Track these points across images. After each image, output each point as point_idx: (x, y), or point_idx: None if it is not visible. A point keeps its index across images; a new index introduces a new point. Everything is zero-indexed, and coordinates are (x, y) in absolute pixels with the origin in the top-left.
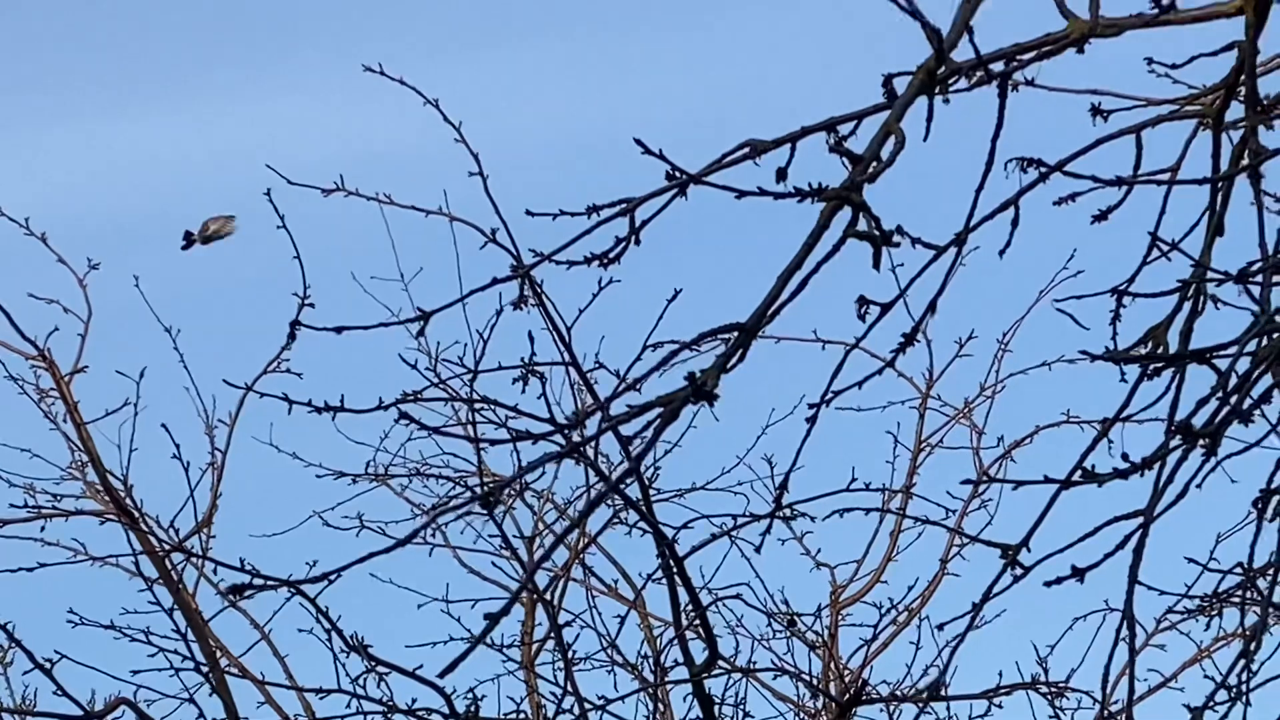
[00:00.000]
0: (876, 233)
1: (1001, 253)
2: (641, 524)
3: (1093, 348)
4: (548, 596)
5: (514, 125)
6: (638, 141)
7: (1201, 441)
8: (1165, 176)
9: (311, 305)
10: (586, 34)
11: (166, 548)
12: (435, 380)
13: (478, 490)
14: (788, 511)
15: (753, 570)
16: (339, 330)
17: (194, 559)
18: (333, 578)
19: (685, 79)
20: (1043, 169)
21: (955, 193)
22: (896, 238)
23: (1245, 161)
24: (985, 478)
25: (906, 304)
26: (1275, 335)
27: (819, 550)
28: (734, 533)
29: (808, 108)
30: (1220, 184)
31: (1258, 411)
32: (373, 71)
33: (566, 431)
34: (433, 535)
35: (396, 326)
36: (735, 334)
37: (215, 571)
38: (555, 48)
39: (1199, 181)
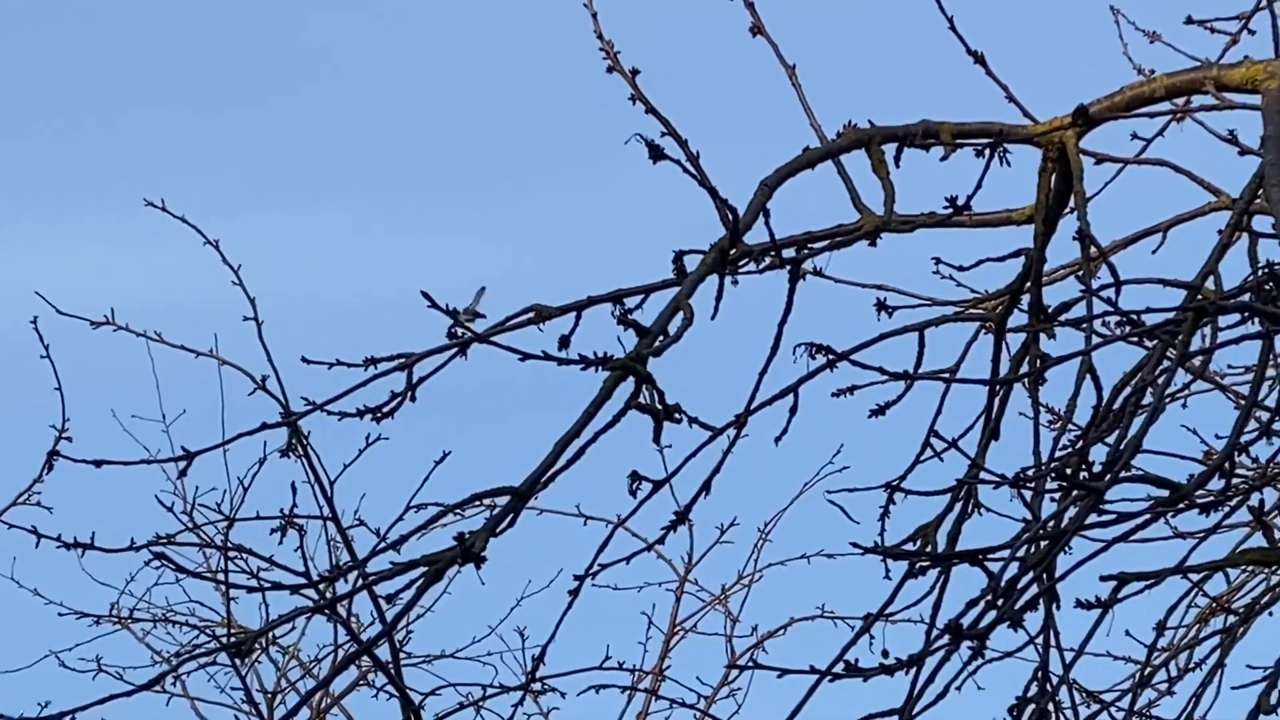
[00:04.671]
0: (659, 406)
1: (777, 440)
2: (389, 687)
3: (860, 542)
4: None
5: (297, 284)
6: (424, 294)
7: (968, 642)
8: (948, 376)
9: (69, 439)
10: (378, 197)
11: None
12: (190, 525)
13: (225, 640)
14: (539, 686)
15: None
16: (98, 464)
17: None
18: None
19: (478, 246)
20: (829, 357)
21: (738, 374)
22: (677, 415)
23: (1026, 368)
24: (751, 663)
25: (671, 487)
26: (1044, 543)
27: None
28: (482, 703)
29: (598, 279)
30: (1000, 388)
31: (1025, 617)
32: (154, 206)
33: (321, 586)
34: (173, 684)
35: (155, 467)
36: (507, 497)
37: None
38: (346, 211)
39: (982, 381)
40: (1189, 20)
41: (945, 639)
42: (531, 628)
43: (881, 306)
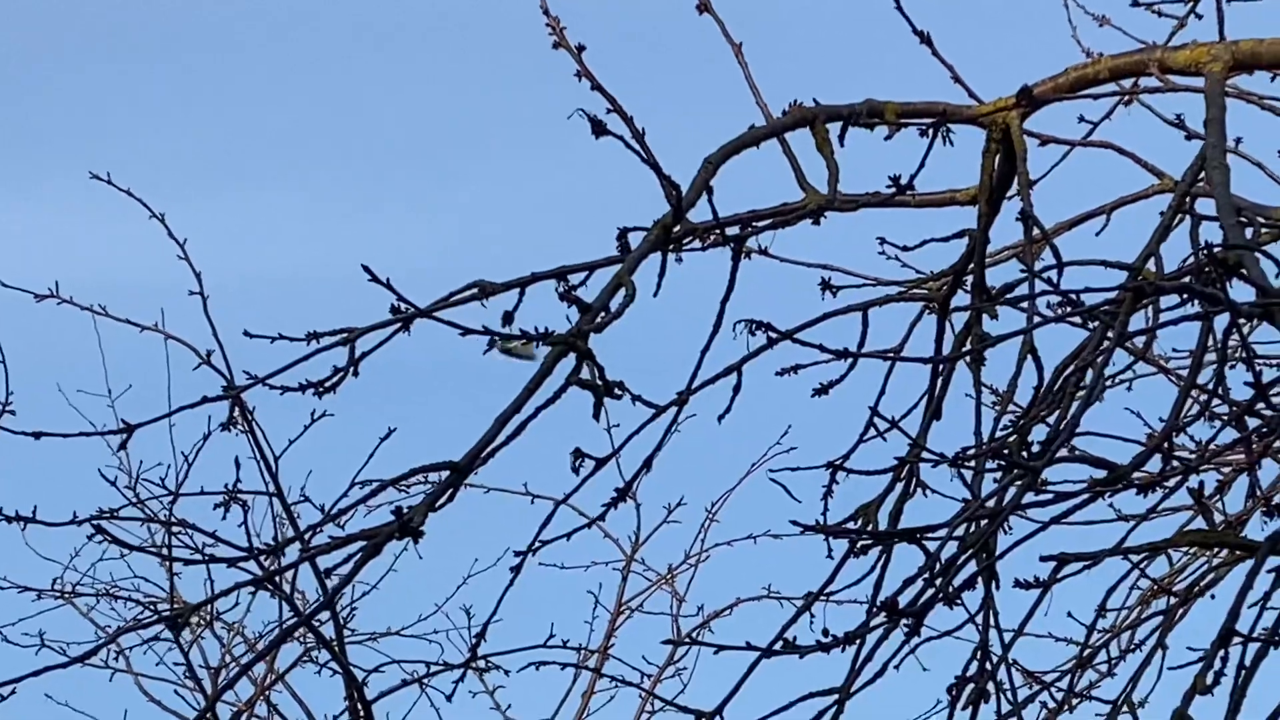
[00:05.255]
0: (600, 382)
1: (721, 418)
2: (332, 664)
3: (803, 521)
4: None
5: (243, 259)
6: (365, 268)
7: (905, 621)
8: (891, 355)
9: (13, 413)
10: (325, 174)
11: None
12: (133, 499)
13: (166, 614)
14: (482, 663)
15: None
16: (37, 436)
17: None
18: (5, 692)
19: (423, 222)
20: (771, 334)
21: (681, 352)
22: (618, 391)
23: (969, 345)
24: (687, 639)
25: (619, 464)
26: (983, 523)
27: (509, 706)
28: (426, 681)
29: (541, 256)
30: (941, 367)
31: (962, 596)
32: (99, 179)
33: (262, 558)
34: (116, 659)
35: (98, 440)
36: (447, 472)
37: None
38: (294, 188)
39: (924, 360)
40: (1135, 3)
41: (882, 617)
42: (477, 606)
43: (825, 285)
